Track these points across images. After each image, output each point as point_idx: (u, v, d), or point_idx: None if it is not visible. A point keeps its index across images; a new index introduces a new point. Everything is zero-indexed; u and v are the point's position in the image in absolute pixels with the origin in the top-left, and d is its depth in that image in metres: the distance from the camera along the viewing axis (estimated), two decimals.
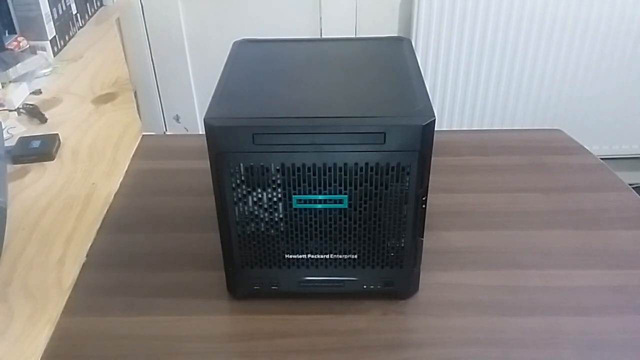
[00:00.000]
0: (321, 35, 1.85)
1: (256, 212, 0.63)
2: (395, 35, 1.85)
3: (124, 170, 0.96)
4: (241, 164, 0.59)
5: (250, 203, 0.62)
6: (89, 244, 0.80)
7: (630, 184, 0.92)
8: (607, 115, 1.95)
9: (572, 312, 0.68)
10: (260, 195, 0.61)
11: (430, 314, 0.68)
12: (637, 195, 0.90)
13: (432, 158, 0.59)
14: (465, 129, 1.94)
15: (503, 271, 0.74)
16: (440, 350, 0.64)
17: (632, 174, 2.03)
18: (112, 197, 0.89)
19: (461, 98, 1.91)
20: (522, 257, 0.77)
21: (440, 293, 0.71)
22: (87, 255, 0.78)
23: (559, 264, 0.75)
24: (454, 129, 1.94)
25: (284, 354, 0.63)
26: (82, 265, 0.76)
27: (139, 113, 1.31)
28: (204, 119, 0.58)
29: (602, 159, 0.98)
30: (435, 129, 0.58)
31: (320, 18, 1.83)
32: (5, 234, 0.76)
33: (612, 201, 0.87)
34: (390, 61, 0.70)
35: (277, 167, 0.59)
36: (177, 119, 2.02)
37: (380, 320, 0.67)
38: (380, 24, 1.84)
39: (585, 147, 1.01)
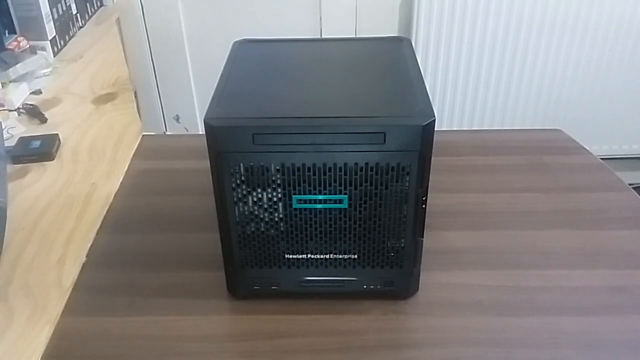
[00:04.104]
0: (321, 35, 1.85)
1: (256, 212, 0.63)
2: (395, 35, 1.85)
3: (124, 170, 0.96)
4: (241, 164, 0.59)
5: (250, 203, 0.62)
6: (89, 244, 0.80)
7: (630, 184, 0.92)
8: (607, 115, 1.95)
9: (572, 312, 0.68)
10: (260, 195, 0.61)
11: (430, 314, 0.68)
12: (637, 195, 0.90)
13: (432, 158, 0.59)
14: (465, 129, 1.94)
15: (503, 271, 0.74)
16: (440, 350, 0.64)
17: (632, 174, 2.03)
18: (112, 197, 0.89)
19: (461, 98, 1.91)
20: (522, 257, 0.77)
21: (440, 293, 0.71)
22: (87, 255, 0.78)
23: (559, 264, 0.75)
24: (454, 129, 1.94)
25: (284, 354, 0.63)
26: (82, 265, 0.76)
27: (139, 113, 1.31)
28: (204, 119, 0.58)
29: (602, 159, 0.98)
30: (435, 129, 0.58)
31: (320, 18, 1.83)
32: (5, 234, 0.76)
33: (612, 201, 0.87)
34: (390, 61, 0.70)
35: (277, 167, 0.59)
36: (177, 119, 2.02)
37: (380, 320, 0.67)
38: (380, 24, 1.84)
39: (585, 147, 1.01)
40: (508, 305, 0.69)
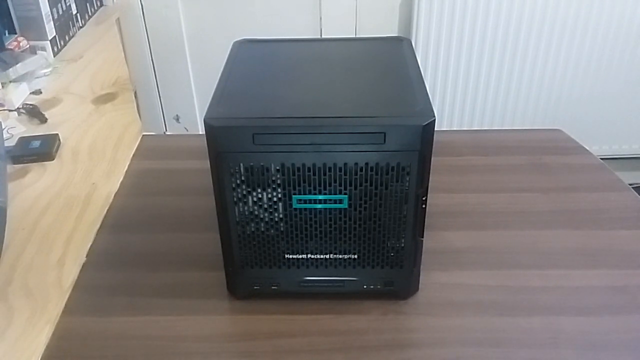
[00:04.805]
0: (321, 35, 1.85)
1: (256, 212, 0.63)
2: (395, 35, 1.85)
3: (124, 170, 0.96)
4: (241, 164, 0.59)
5: (250, 203, 0.62)
6: (89, 244, 0.80)
7: (630, 184, 0.92)
8: (607, 115, 1.95)
9: (572, 312, 0.68)
10: (260, 195, 0.61)
11: (430, 314, 0.68)
12: (637, 195, 0.90)
13: (432, 158, 0.59)
14: (465, 129, 1.94)
15: (503, 271, 0.74)
16: (440, 350, 0.64)
17: (632, 174, 2.03)
18: (112, 197, 0.89)
19: (461, 98, 1.91)
20: (522, 257, 0.77)
21: (440, 293, 0.71)
22: (87, 255, 0.78)
23: (559, 264, 0.75)
24: (454, 129, 1.94)
25: (284, 354, 0.63)
26: (82, 265, 0.76)
27: (139, 113, 1.31)
28: (204, 119, 0.58)
29: (602, 159, 0.98)
30: (435, 129, 0.58)
31: (320, 18, 1.83)
32: (5, 234, 0.76)
33: (612, 201, 0.87)
34: (390, 61, 0.70)
35: (277, 167, 0.59)
36: (177, 119, 2.02)
37: (380, 320, 0.67)
38: (380, 24, 1.84)
39: (585, 147, 1.01)
40: (508, 305, 0.69)
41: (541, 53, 1.82)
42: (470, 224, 0.83)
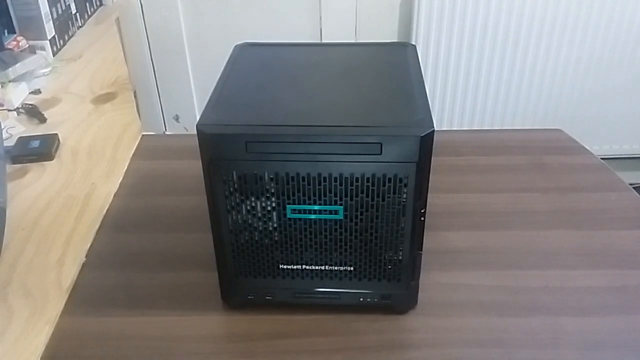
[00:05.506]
0: (321, 35, 1.85)
1: (250, 221, 0.61)
2: (396, 36, 1.85)
3: (124, 170, 0.96)
4: (234, 172, 0.58)
5: (244, 211, 0.60)
6: (89, 244, 0.79)
7: (630, 184, 0.92)
8: (607, 115, 1.95)
9: (572, 312, 0.68)
10: (253, 204, 0.60)
11: (430, 314, 0.68)
12: (638, 195, 0.90)
13: (432, 158, 0.59)
14: (465, 128, 1.94)
15: (503, 271, 0.74)
16: (440, 351, 0.63)
17: (632, 174, 2.03)
18: (112, 197, 0.89)
19: (461, 98, 1.91)
20: (523, 257, 0.76)
21: (440, 293, 0.71)
22: (86, 255, 0.78)
23: (559, 264, 0.75)
24: (454, 129, 1.94)
25: (283, 354, 0.63)
26: (82, 265, 0.76)
27: (138, 113, 1.31)
28: (197, 126, 0.56)
29: (602, 158, 0.98)
30: (435, 129, 0.57)
31: (320, 18, 1.83)
32: (5, 234, 0.76)
33: (613, 201, 0.87)
34: (393, 68, 0.68)
35: (271, 176, 0.58)
36: (176, 119, 2.02)
37: (380, 320, 0.67)
38: (380, 24, 1.84)
39: (586, 147, 1.01)
40: (508, 306, 0.69)
41: (541, 51, 1.82)
42: (470, 224, 0.83)
